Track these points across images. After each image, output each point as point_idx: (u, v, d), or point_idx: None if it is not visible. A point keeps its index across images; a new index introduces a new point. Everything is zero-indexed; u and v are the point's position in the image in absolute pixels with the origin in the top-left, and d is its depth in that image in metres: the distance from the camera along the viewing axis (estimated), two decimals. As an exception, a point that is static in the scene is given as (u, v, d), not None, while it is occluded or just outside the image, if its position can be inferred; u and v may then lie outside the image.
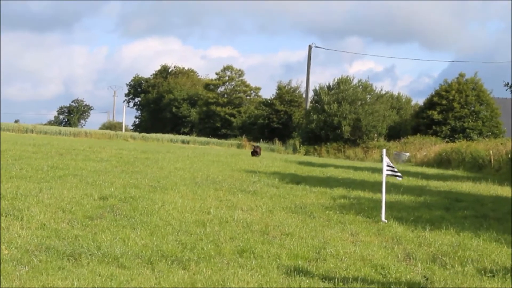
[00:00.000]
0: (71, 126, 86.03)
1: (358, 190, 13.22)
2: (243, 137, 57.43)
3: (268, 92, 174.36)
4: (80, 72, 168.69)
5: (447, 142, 39.76)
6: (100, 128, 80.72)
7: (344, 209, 10.04)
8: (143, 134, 60.67)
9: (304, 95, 56.67)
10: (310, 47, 53.92)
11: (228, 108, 70.29)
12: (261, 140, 54.57)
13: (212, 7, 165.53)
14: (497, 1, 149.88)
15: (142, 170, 14.93)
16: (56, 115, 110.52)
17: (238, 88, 73.94)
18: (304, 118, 52.57)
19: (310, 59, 53.81)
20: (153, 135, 59.49)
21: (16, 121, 69.54)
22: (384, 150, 10.38)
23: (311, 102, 51.70)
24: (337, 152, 45.13)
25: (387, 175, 9.65)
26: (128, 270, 5.66)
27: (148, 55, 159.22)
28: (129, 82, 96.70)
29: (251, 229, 7.91)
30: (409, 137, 43.91)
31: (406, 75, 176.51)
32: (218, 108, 70.03)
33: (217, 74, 74.43)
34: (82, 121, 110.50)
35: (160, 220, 8.01)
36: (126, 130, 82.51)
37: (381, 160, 10.41)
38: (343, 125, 46.25)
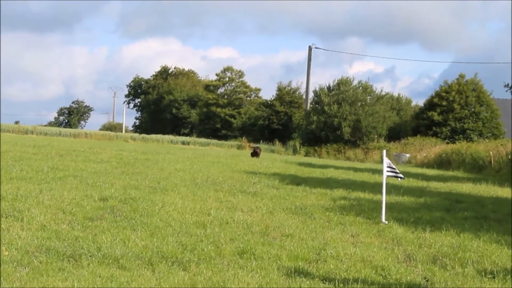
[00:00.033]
0: (71, 127, 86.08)
1: (358, 191, 13.22)
2: (243, 138, 57.39)
3: (268, 93, 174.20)
4: (81, 72, 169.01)
5: (447, 143, 39.76)
6: (100, 129, 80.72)
7: (345, 210, 10.04)
8: (143, 135, 60.64)
9: (304, 96, 56.67)
10: (310, 48, 53.94)
11: (228, 109, 70.31)
12: (261, 141, 54.49)
13: (212, 7, 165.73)
14: (497, 1, 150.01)
15: (142, 171, 14.93)
16: (56, 116, 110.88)
17: (238, 89, 73.99)
18: (304, 119, 52.56)
19: (310, 60, 53.87)
20: (153, 136, 59.48)
21: (16, 122, 69.66)
22: (384, 151, 10.37)
23: (311, 103, 51.70)
24: (337, 153, 45.11)
25: (389, 176, 9.64)
26: (128, 271, 5.66)
27: (148, 56, 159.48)
28: (129, 83, 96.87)
29: (251, 230, 7.91)
30: (409, 138, 43.91)
31: (406, 76, 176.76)
32: (218, 109, 70.04)
33: (217, 75, 74.60)
34: (82, 122, 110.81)
35: (160, 221, 8.00)
36: (126, 131, 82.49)
37: (381, 161, 10.41)
38: (343, 126, 46.25)
